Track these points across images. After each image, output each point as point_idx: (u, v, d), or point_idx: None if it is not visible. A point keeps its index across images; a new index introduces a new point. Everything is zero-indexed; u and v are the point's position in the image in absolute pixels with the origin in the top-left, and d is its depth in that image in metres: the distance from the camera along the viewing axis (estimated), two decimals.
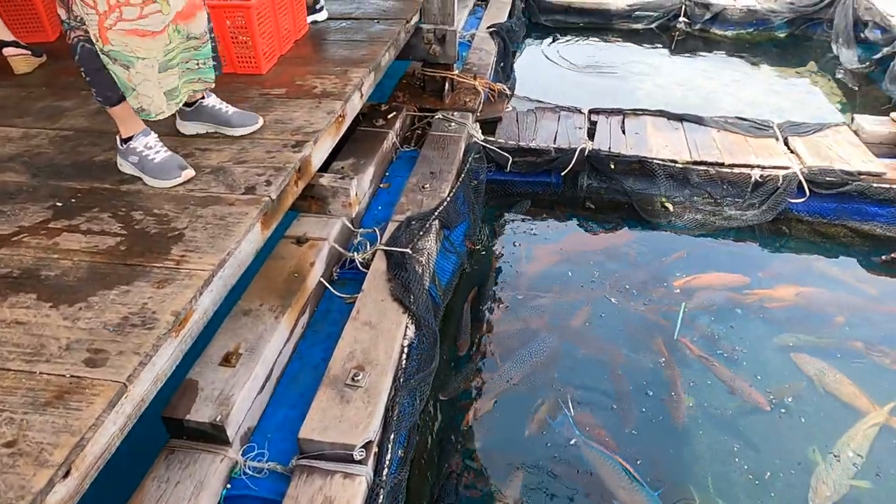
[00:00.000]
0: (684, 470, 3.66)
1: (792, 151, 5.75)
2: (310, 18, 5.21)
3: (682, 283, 5.00)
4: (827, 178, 5.36)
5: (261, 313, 3.39)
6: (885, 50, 8.73)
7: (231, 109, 3.47)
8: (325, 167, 4.40)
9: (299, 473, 2.79)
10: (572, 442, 3.73)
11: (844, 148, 5.75)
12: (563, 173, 5.73)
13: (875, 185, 5.35)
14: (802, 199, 5.44)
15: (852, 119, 6.27)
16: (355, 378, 3.06)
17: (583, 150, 5.61)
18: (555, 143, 5.79)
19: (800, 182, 5.38)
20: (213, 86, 3.42)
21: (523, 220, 5.84)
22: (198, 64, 3.23)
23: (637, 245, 5.55)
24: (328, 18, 5.39)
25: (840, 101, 8.61)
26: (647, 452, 3.76)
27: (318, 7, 5.32)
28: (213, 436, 2.84)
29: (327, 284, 3.91)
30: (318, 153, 3.57)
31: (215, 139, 3.43)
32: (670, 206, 5.68)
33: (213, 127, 3.48)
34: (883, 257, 5.34)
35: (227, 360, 3.10)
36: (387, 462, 2.92)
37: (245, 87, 4.02)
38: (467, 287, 4.99)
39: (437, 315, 4.34)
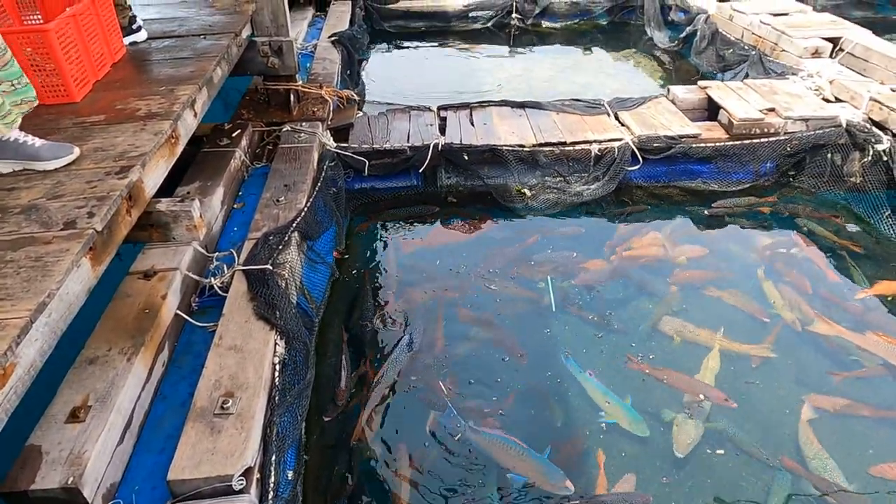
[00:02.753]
0: (567, 430, 3.86)
1: (622, 124, 6.29)
2: (127, 40, 4.86)
3: (547, 259, 5.29)
4: (654, 145, 5.92)
5: (110, 358, 3.10)
6: (688, 29, 9.86)
7: (39, 142, 3.14)
8: (167, 193, 4.13)
9: None
10: (458, 436, 3.78)
11: (665, 116, 6.38)
12: (421, 171, 5.82)
13: (694, 145, 5.99)
14: (637, 167, 5.96)
15: (668, 90, 6.99)
16: (224, 406, 2.89)
17: (436, 146, 5.74)
18: (408, 142, 5.87)
19: (633, 151, 5.89)
20: (36, 103, 3.35)
21: (390, 224, 5.86)
22: (12, 85, 3.16)
23: (500, 231, 5.78)
24: (149, 38, 5.06)
25: (659, 76, 9.57)
26: (533, 421, 3.92)
27: (134, 27, 4.97)
28: (67, 501, 2.55)
29: (185, 316, 3.66)
30: (151, 178, 3.33)
31: (24, 176, 3.09)
32: (527, 192, 5.97)
33: (21, 163, 3.13)
34: (707, 212, 5.99)
35: (74, 416, 2.79)
36: (272, 485, 2.79)
37: (56, 117, 3.66)
38: (342, 298, 4.92)
39: (311, 329, 4.23)
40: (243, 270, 3.77)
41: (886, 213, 5.60)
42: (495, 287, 4.99)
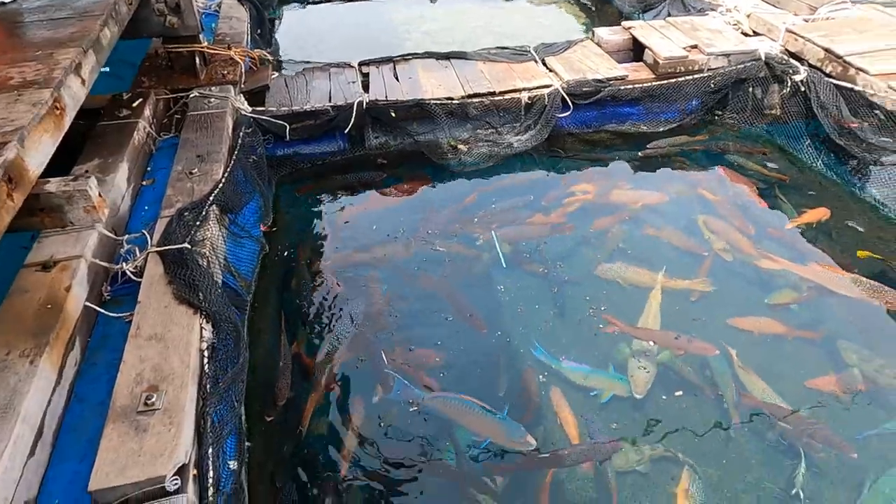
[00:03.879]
0: (524, 387, 3.79)
1: (551, 70, 6.15)
2: None
3: (489, 215, 5.14)
4: (583, 89, 5.82)
5: (9, 363, 2.74)
6: None
7: None
8: (63, 174, 3.67)
9: None
10: (412, 403, 3.63)
11: (592, 59, 6.28)
12: (346, 131, 5.51)
13: (622, 87, 5.94)
14: (567, 113, 5.86)
15: (593, 33, 6.89)
16: (148, 401, 2.62)
17: (360, 104, 5.43)
18: (331, 102, 5.52)
19: (563, 97, 5.77)
20: None
21: (320, 191, 5.53)
22: None
23: (437, 191, 5.58)
24: None
25: (583, 21, 9.46)
26: (488, 381, 3.83)
27: None
28: None
29: (96, 308, 3.30)
30: (34, 156, 2.91)
31: None
32: (461, 146, 5.77)
33: None
34: (640, 153, 6.00)
35: None
36: (212, 480, 2.57)
37: None
38: (274, 274, 4.62)
39: (242, 308, 3.94)
40: (158, 252, 3.43)
41: (806, 143, 5.77)
42: (440, 248, 4.81)
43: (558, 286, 4.47)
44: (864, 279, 4.39)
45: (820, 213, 5.09)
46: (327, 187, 5.50)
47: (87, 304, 3.29)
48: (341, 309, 4.30)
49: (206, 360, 2.92)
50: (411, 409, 3.59)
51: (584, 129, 6.15)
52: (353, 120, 5.39)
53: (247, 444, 3.27)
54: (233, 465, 2.91)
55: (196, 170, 4.14)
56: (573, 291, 4.45)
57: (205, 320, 3.06)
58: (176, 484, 2.43)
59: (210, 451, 2.62)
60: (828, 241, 4.85)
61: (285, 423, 3.64)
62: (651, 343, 4.00)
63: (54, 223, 3.31)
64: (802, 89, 5.83)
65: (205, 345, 2.97)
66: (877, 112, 5.19)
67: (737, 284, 4.51)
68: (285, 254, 4.76)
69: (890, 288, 4.30)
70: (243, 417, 3.31)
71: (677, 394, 3.75)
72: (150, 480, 2.38)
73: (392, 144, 5.78)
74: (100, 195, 3.39)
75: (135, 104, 4.84)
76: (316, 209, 5.31)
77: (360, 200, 5.41)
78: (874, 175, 5.23)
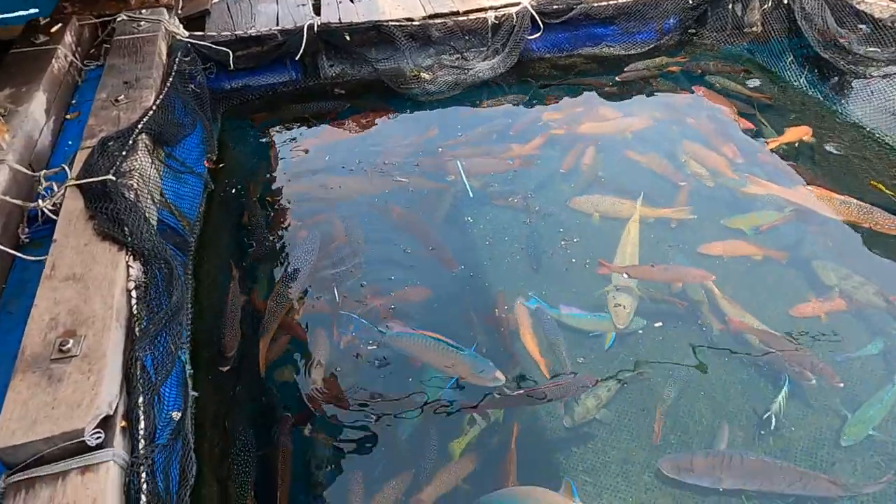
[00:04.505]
0: (492, 321, 3.53)
1: None
2: None
3: (455, 147, 4.77)
4: (554, 7, 5.39)
5: None
6: None
7: None
8: None
9: (13, 494, 2.02)
10: (374, 343, 3.34)
11: None
12: (298, 58, 5.03)
13: (595, 4, 5.52)
14: (538, 35, 5.45)
15: None
16: (63, 347, 2.28)
17: (311, 27, 4.93)
18: (278, 26, 5.02)
19: (532, 16, 5.35)
20: None
21: (272, 123, 5.08)
22: None
23: (398, 122, 5.17)
24: None
25: None
26: (455, 316, 3.56)
27: None
28: None
29: (9, 250, 2.91)
30: None
31: None
32: (425, 75, 5.34)
33: None
34: (617, 77, 5.64)
35: None
36: (143, 432, 2.26)
37: None
38: (222, 213, 4.22)
39: (184, 249, 3.58)
40: (78, 185, 3.02)
41: (789, 60, 5.47)
42: (402, 179, 4.45)
43: (530, 217, 4.17)
44: (850, 199, 4.18)
45: (801, 132, 4.84)
46: (279, 119, 5.06)
47: (0, 246, 2.90)
48: (296, 247, 3.95)
49: (133, 301, 2.57)
50: (370, 348, 3.31)
51: (556, 54, 5.76)
52: (303, 45, 4.92)
53: (193, 393, 2.97)
54: (175, 415, 2.61)
55: (122, 97, 3.68)
56: (546, 223, 4.15)
57: (132, 258, 2.70)
58: (99, 437, 2.13)
59: (141, 399, 2.31)
60: (809, 162, 4.61)
61: (239, 370, 3.33)
62: (625, 275, 3.74)
63: None
64: (786, 2, 5.48)
65: (132, 284, 2.61)
66: (864, 24, 4.89)
67: (717, 210, 4.26)
68: (233, 191, 4.36)
69: (879, 209, 4.08)
70: (186, 364, 2.99)
71: (657, 324, 3.53)
72: (66, 435, 2.06)
73: (349, 73, 5.33)
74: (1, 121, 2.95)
75: (53, 30, 4.30)
76: (267, 143, 4.88)
77: (315, 133, 4.99)
78: (857, 90, 4.98)
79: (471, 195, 4.30)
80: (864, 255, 3.91)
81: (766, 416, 3.05)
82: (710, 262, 3.83)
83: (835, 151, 4.66)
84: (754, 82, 5.48)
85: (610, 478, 2.86)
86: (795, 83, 5.37)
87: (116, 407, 2.25)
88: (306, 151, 4.78)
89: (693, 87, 5.44)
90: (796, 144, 4.78)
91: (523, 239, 4.02)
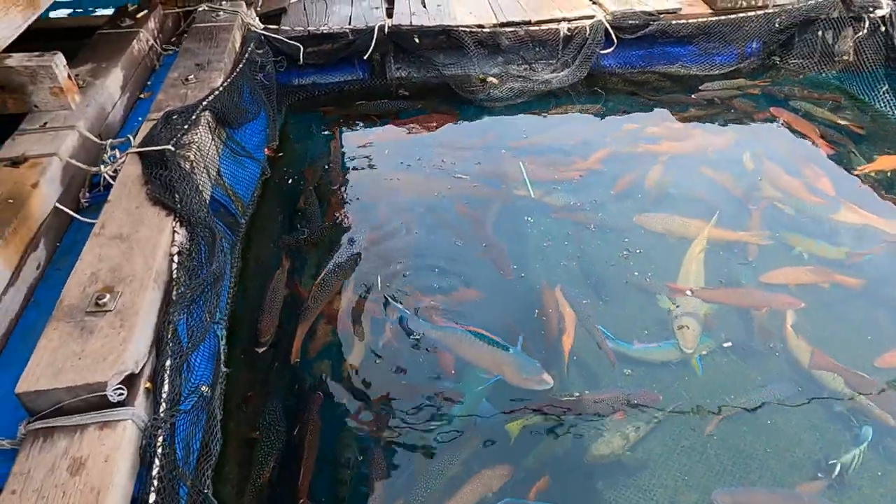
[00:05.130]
0: (534, 318, 3.34)
1: (594, 2, 5.56)
2: None
3: (518, 151, 4.65)
4: (629, 22, 5.22)
5: None
6: None
7: None
8: None
9: (31, 441, 1.99)
10: (417, 335, 3.21)
11: None
12: (366, 58, 5.06)
13: (674, 22, 5.32)
14: (611, 49, 5.28)
15: None
16: (100, 301, 2.26)
17: (382, 28, 4.96)
18: (350, 25, 5.08)
19: (606, 30, 5.20)
20: None
21: (336, 120, 5.10)
22: None
23: (462, 125, 5.10)
24: None
25: None
26: (505, 313, 3.38)
27: None
28: None
29: (67, 210, 2.98)
30: None
31: None
32: (492, 79, 5.27)
33: None
34: (693, 96, 5.39)
35: None
36: (166, 397, 2.20)
37: None
38: (277, 202, 4.24)
39: (235, 229, 3.59)
40: (138, 152, 3.07)
41: (884, 90, 5.07)
42: (462, 176, 4.34)
43: (593, 225, 3.96)
44: None
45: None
46: (343, 115, 5.08)
47: (58, 205, 2.96)
48: (347, 238, 3.89)
49: (174, 266, 2.55)
50: (413, 341, 3.17)
51: (628, 69, 5.57)
52: (373, 45, 4.94)
53: (225, 369, 2.91)
54: (204, 388, 2.55)
55: (193, 77, 3.77)
56: (608, 235, 3.92)
57: (178, 224, 2.69)
58: (121, 394, 2.07)
59: (169, 363, 2.25)
60: None
61: (275, 353, 3.26)
62: (688, 293, 3.47)
63: (17, 106, 2.97)
64: (883, 28, 5.12)
65: (175, 249, 2.60)
66: None
67: (799, 236, 3.91)
68: (289, 181, 4.37)
69: None
70: (222, 341, 2.95)
71: (726, 345, 3.23)
72: (88, 386, 2.02)
73: (416, 76, 5.32)
74: (69, 77, 3.04)
75: (139, 15, 4.49)
76: (328, 136, 4.88)
77: (378, 131, 4.98)
78: None
79: (532, 195, 4.15)
80: None
81: (840, 465, 2.70)
82: (783, 291, 3.51)
83: None
84: (844, 111, 5.10)
85: None
86: (891, 115, 4.96)
87: (143, 367, 2.20)
88: (368, 147, 4.77)
89: (773, 110, 5.11)
90: (889, 174, 4.38)
91: (583, 247, 3.82)
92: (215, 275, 2.61)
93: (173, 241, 2.62)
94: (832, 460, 2.70)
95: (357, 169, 4.54)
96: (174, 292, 2.46)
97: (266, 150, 4.34)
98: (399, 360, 3.13)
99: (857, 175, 4.36)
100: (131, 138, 3.32)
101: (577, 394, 2.93)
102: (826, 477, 2.66)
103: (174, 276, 2.51)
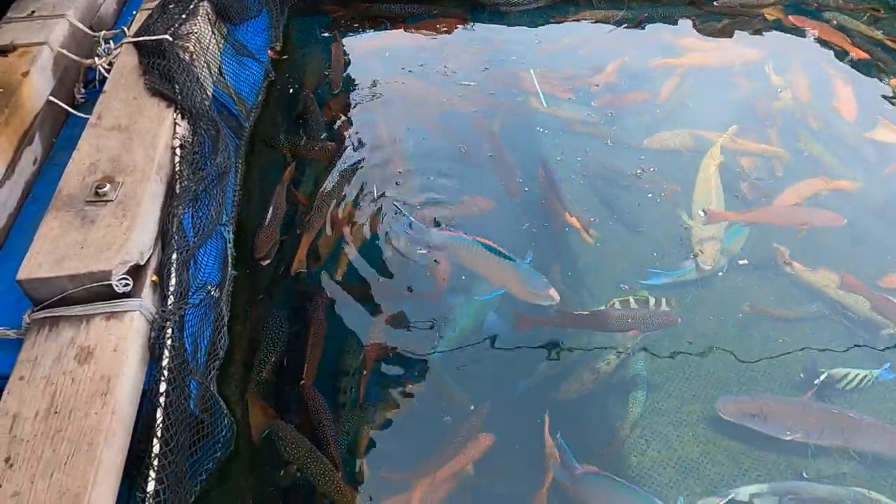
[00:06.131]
0: (547, 236, 3.24)
1: None
2: None
3: (530, 60, 4.40)
4: None
5: None
6: None
7: None
8: None
9: (37, 330, 1.93)
10: (423, 245, 3.12)
11: None
12: None
13: None
14: None
15: None
16: (100, 190, 2.15)
17: None
18: None
19: None
20: None
21: (342, 22, 4.79)
22: None
23: (473, 29, 4.79)
24: None
25: None
26: (512, 229, 3.28)
27: None
28: None
29: (61, 104, 2.81)
30: None
31: None
32: None
33: None
34: (716, 2, 5.04)
35: None
36: (173, 290, 2.13)
37: None
38: (281, 106, 4.04)
39: (238, 132, 3.43)
40: (134, 42, 2.87)
41: None
42: (468, 83, 4.13)
43: (609, 140, 3.79)
44: None
45: None
46: (350, 17, 4.78)
47: (52, 98, 2.80)
48: (350, 145, 3.74)
49: (177, 159, 2.42)
50: (419, 251, 3.08)
51: None
52: None
53: (233, 272, 2.84)
54: (211, 287, 2.48)
55: None
56: (623, 149, 3.75)
57: (180, 115, 2.54)
58: (127, 285, 2.00)
59: (175, 256, 2.17)
60: None
61: (279, 263, 3.18)
62: (702, 213, 3.34)
63: None
64: None
65: (177, 142, 2.46)
66: None
67: (821, 154, 3.75)
68: (295, 85, 4.15)
69: None
70: (230, 243, 2.86)
71: (742, 262, 3.15)
72: (92, 275, 1.94)
73: None
74: None
75: None
76: (333, 39, 4.59)
77: (385, 35, 4.69)
78: None
79: (544, 105, 3.95)
80: None
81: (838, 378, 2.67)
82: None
83: None
84: (881, 23, 4.79)
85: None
86: None
87: (149, 259, 2.12)
88: (373, 52, 4.51)
89: (802, 21, 4.79)
90: None
91: (597, 160, 3.67)
92: (220, 170, 2.49)
93: (175, 133, 2.48)
94: (823, 370, 2.68)
95: (360, 74, 4.30)
96: (177, 185, 2.35)
97: (269, 51, 4.10)
98: (405, 269, 3.06)
99: (888, 91, 4.13)
100: (126, 30, 3.12)
101: (598, 308, 2.87)
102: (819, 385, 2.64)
103: (177, 168, 2.39)
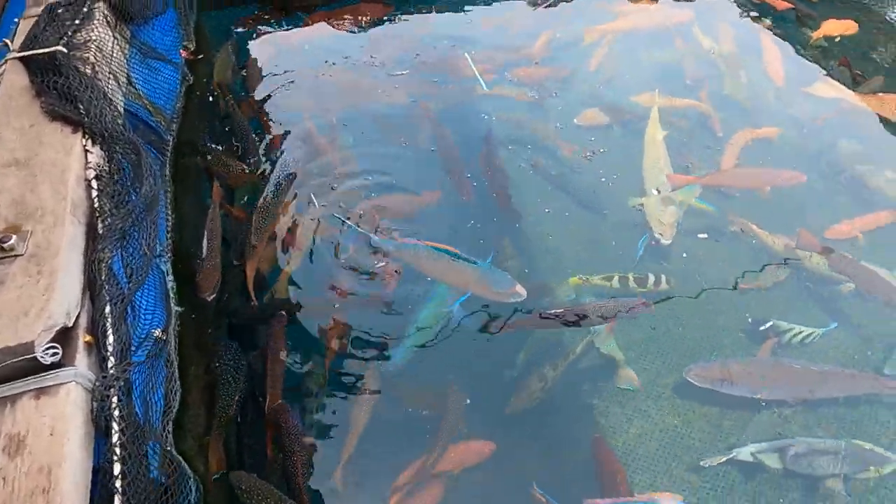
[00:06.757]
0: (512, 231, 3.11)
1: None
2: None
3: (462, 46, 4.17)
4: None
5: None
6: None
7: None
8: None
9: None
10: (379, 256, 2.91)
11: None
12: None
13: None
14: None
15: None
16: (5, 244, 1.80)
17: None
18: None
19: None
20: None
21: (255, 15, 4.40)
22: None
23: (397, 16, 4.48)
24: None
25: None
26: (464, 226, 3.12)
27: None
28: None
29: None
30: None
31: None
32: None
33: None
34: None
35: None
36: (112, 350, 1.82)
37: None
38: (203, 110, 3.66)
39: (161, 149, 3.06)
40: (20, 58, 2.45)
41: None
42: (401, 72, 3.89)
43: (558, 122, 3.66)
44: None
45: (845, 26, 4.30)
46: (262, 9, 4.39)
47: None
48: (281, 152, 3.45)
49: (94, 193, 2.08)
50: (372, 261, 2.88)
51: None
52: None
53: (177, 308, 2.53)
54: (156, 332, 2.18)
55: None
56: (567, 125, 3.64)
57: (90, 141, 2.18)
58: (55, 354, 1.69)
59: (108, 309, 1.86)
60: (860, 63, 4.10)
61: (224, 291, 2.87)
62: (655, 191, 3.28)
63: None
64: None
65: (91, 172, 2.12)
66: None
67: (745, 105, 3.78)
68: (215, 90, 3.76)
69: None
70: (168, 275, 2.54)
71: (700, 236, 3.12)
72: (9, 350, 1.63)
73: None
74: None
75: None
76: (249, 35, 4.22)
77: (302, 28, 4.33)
78: None
79: (485, 89, 3.77)
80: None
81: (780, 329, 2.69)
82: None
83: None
84: None
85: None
86: None
87: (77, 318, 1.81)
88: (293, 46, 4.17)
89: None
90: (836, 38, 4.25)
91: (544, 143, 3.53)
92: (147, 198, 2.16)
93: (87, 162, 2.13)
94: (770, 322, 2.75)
95: (281, 71, 3.97)
96: (100, 225, 2.02)
97: (182, 51, 3.68)
98: (361, 279, 2.86)
99: (811, 44, 4.21)
100: (8, 43, 2.68)
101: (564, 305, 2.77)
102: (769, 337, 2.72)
103: (95, 205, 2.05)
